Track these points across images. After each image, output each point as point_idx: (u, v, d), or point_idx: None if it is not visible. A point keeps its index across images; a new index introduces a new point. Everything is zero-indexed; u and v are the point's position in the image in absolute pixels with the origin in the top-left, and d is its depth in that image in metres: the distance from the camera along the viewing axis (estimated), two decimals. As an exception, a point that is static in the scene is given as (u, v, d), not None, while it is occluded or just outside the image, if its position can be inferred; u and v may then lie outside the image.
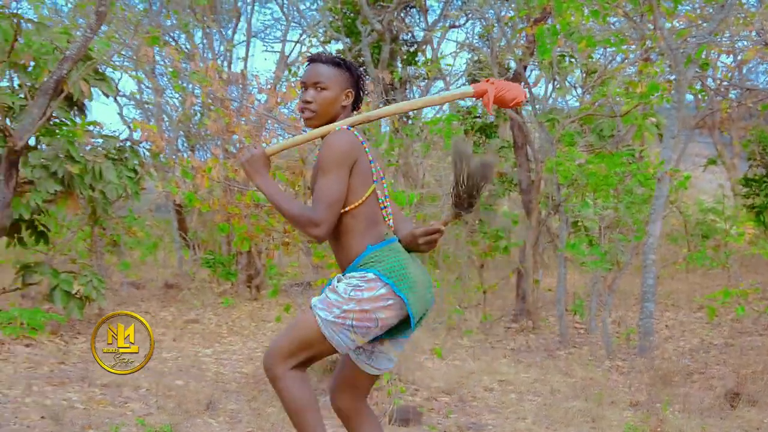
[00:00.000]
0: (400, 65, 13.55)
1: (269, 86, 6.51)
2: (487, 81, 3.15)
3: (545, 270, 11.30)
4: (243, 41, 12.69)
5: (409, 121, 11.91)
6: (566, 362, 7.62)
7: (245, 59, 12.07)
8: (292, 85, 6.11)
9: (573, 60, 10.40)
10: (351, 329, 3.07)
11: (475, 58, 12.98)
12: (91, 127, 8.39)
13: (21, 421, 5.25)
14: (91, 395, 5.98)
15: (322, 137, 3.18)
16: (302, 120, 3.27)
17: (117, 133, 9.28)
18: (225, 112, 6.55)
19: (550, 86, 10.42)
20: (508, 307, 10.41)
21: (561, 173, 8.16)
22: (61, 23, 9.33)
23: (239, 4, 13.04)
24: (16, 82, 8.06)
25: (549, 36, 7.32)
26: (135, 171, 8.54)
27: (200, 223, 13.91)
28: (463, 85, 12.93)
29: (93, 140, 8.44)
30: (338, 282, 3.13)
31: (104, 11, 6.62)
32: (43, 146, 8.19)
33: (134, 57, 10.49)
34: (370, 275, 3.08)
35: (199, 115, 11.45)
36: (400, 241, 3.24)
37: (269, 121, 7.08)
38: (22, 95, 7.80)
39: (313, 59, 3.26)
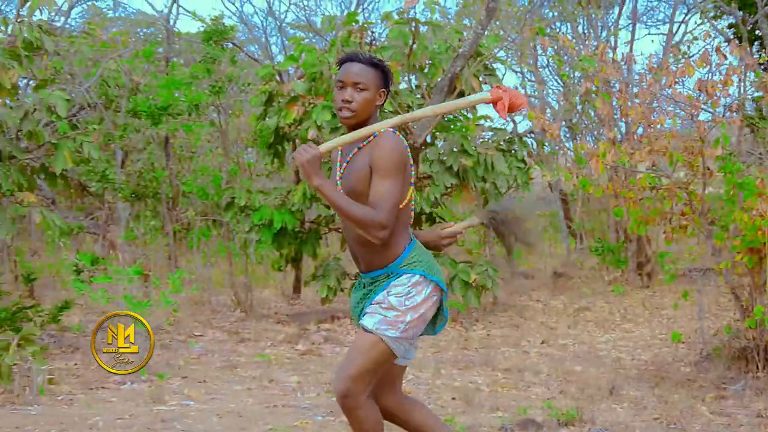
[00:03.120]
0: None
1: (661, 67, 6.30)
2: (499, 88, 3.25)
3: None
4: (626, 25, 12.44)
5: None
6: None
7: (630, 43, 11.81)
8: (691, 63, 5.86)
9: None
10: (412, 338, 3.23)
11: None
12: (481, 121, 8.70)
13: (434, 401, 5.58)
14: (495, 379, 6.20)
15: (363, 136, 3.19)
16: (340, 119, 3.25)
17: (504, 126, 9.52)
18: (618, 95, 6.48)
19: None
20: None
21: None
22: (448, 25, 9.78)
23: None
24: (413, 83, 8.58)
25: None
26: (524, 161, 8.70)
27: (585, 212, 13.88)
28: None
29: (483, 133, 8.75)
30: (388, 296, 3.19)
31: (494, 7, 6.84)
32: (440, 142, 8.64)
33: (519, 51, 10.71)
34: (417, 278, 3.20)
35: (580, 104, 11.41)
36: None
37: (660, 101, 6.85)
38: (419, 95, 8.29)
39: (351, 59, 3.26)
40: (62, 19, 11.32)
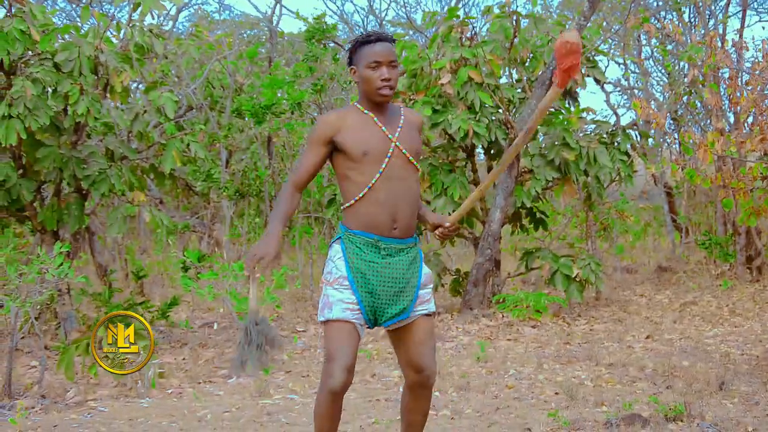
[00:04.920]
0: None
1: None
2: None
3: None
4: (735, 12, 12.04)
5: None
6: None
7: (740, 30, 11.42)
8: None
9: None
10: None
11: None
12: (583, 114, 8.58)
13: (537, 395, 5.54)
14: (599, 374, 6.11)
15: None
16: (381, 98, 3.28)
17: (607, 118, 9.36)
18: (728, 83, 6.30)
19: None
20: None
21: None
22: (550, 18, 9.69)
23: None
24: (515, 77, 8.53)
25: None
26: (627, 154, 8.54)
27: (691, 206, 13.53)
28: None
29: (585, 126, 8.63)
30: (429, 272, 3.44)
31: (597, -3, 6.73)
32: (541, 135, 8.55)
33: (622, 42, 10.51)
34: None
35: (685, 94, 11.13)
36: None
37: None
38: (520, 89, 8.22)
39: (381, 38, 3.31)
40: (170, 23, 11.65)
